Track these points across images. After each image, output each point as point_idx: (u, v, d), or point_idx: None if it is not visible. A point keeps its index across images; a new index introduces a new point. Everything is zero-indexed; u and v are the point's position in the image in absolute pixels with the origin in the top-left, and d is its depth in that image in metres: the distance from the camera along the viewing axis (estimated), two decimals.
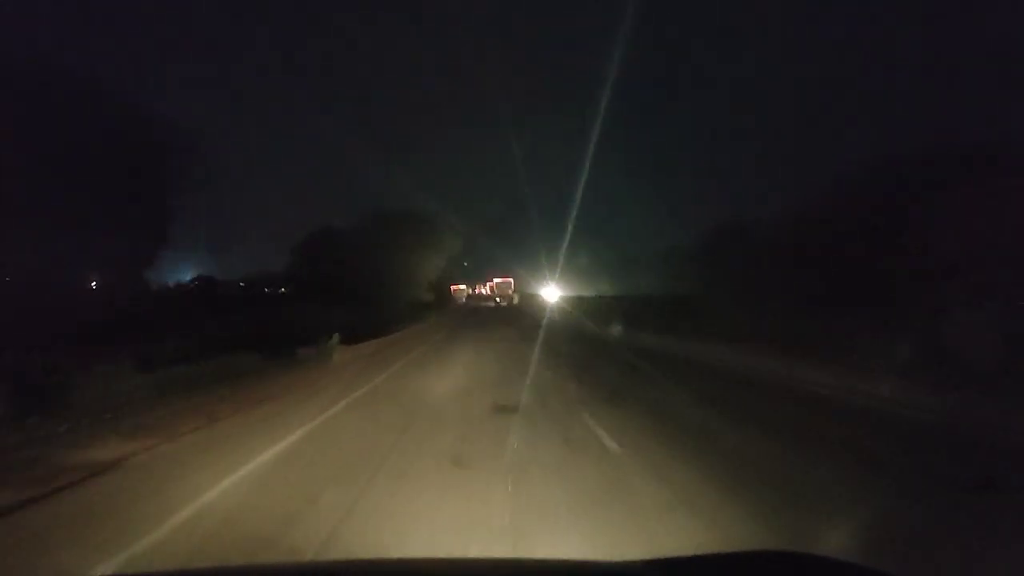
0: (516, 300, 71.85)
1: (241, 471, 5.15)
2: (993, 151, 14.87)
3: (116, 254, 21.88)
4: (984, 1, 33.18)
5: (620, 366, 13.56)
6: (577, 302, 46.08)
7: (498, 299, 74.18)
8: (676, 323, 20.13)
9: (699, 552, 1.98)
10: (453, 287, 68.09)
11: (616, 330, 23.20)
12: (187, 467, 5.38)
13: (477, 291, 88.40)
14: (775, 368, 11.59)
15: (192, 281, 35.11)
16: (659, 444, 5.92)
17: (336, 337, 13.81)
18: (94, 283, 24.38)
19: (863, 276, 15.59)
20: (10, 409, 7.12)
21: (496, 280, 78.87)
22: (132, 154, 22.01)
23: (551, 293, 56.95)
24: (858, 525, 3.76)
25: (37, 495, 4.57)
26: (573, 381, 10.44)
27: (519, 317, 37.26)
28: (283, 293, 38.34)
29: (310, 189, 72.03)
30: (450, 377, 11.41)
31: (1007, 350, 8.82)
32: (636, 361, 14.13)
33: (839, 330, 12.72)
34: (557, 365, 12.87)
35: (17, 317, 13.65)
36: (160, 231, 24.91)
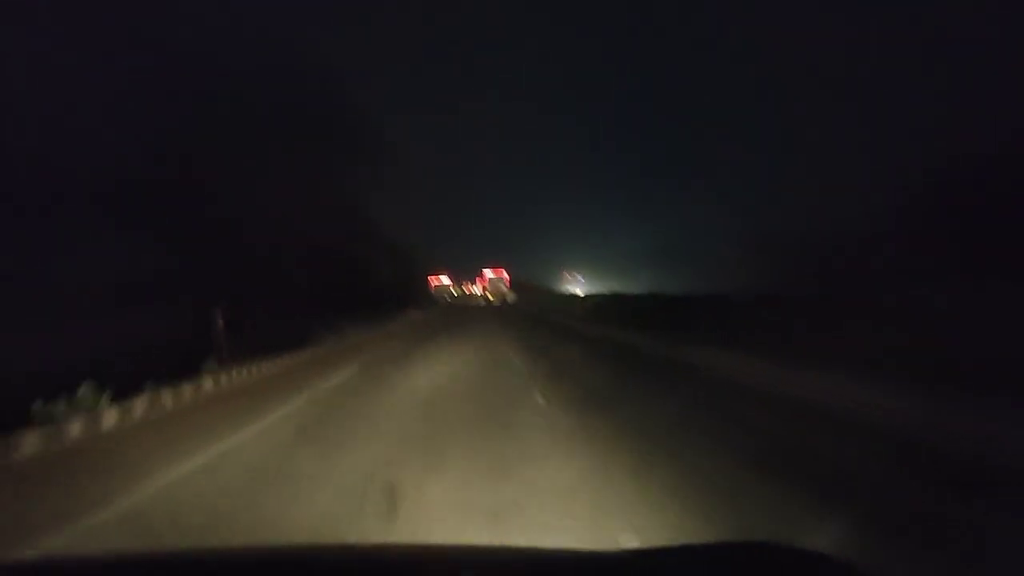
0: (511, 299, 61.94)
1: None
2: None
3: None
4: None
5: None
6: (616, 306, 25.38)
7: (490, 297, 64.15)
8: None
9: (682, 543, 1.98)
10: (433, 280, 55.52)
11: None
12: None
13: (468, 290, 77.75)
14: None
15: None
16: None
17: None
18: None
19: None
20: None
21: (487, 274, 67.75)
22: None
23: (575, 289, 45.54)
24: None
25: None
26: None
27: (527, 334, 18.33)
28: None
29: None
30: None
31: None
32: None
33: None
34: None
35: None
36: None
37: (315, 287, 16.81)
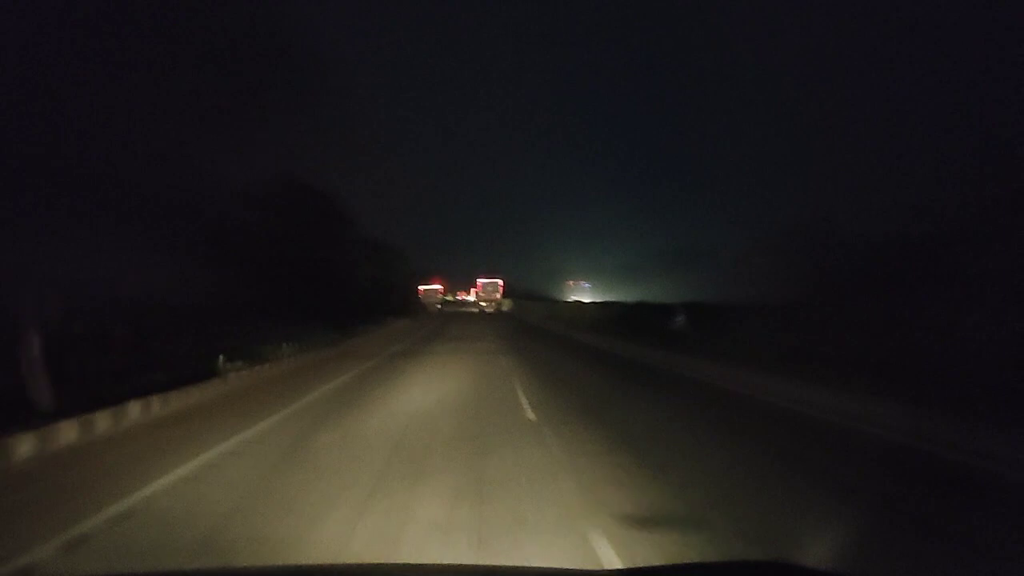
0: (506, 307, 60.95)
1: None
2: None
3: None
4: None
5: None
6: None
7: (483, 304, 62.66)
8: None
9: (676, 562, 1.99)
10: (421, 288, 52.52)
11: None
12: None
13: (461, 297, 77.24)
14: None
15: None
16: None
17: None
18: None
19: None
20: None
21: (481, 281, 66.82)
22: None
23: (580, 297, 44.18)
24: None
25: None
26: None
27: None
28: None
29: None
30: None
31: None
32: None
33: None
34: None
35: None
36: None
37: (268, 289, 13.49)
